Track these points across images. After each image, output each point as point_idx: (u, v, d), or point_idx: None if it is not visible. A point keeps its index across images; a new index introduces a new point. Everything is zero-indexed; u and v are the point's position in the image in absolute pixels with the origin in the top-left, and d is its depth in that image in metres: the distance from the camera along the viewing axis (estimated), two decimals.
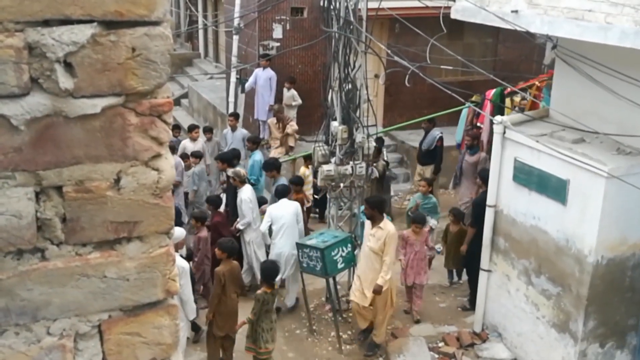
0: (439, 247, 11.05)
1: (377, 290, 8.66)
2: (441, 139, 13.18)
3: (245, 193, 10.10)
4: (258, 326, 8.13)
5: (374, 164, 11.48)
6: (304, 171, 12.23)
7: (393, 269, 8.99)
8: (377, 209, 8.78)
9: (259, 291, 8.18)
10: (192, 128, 13.60)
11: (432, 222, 10.75)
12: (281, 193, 10.08)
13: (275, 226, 9.70)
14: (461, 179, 12.11)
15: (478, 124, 12.77)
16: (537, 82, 12.20)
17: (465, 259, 10.27)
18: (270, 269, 8.35)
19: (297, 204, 9.99)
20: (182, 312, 7.84)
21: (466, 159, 12.24)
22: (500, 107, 12.00)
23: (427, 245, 9.91)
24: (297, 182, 11.21)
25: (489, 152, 11.31)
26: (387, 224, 8.80)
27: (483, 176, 10.41)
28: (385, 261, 8.66)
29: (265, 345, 8.19)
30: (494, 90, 12.29)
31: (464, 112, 13.30)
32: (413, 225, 9.85)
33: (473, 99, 13.15)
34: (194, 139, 13.19)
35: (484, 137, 12.23)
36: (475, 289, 9.92)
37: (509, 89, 11.94)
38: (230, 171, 10.54)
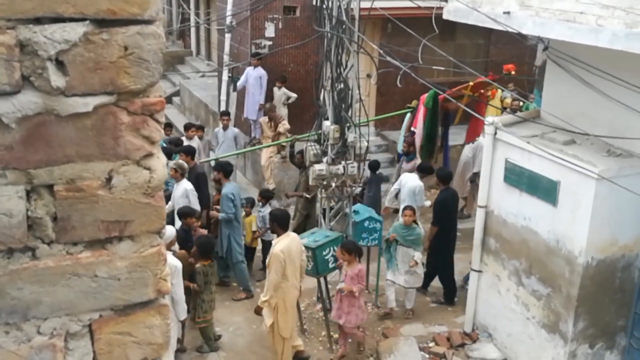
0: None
1: (256, 311, 8.45)
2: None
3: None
4: (198, 297, 8.66)
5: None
6: None
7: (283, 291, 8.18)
8: (277, 222, 8.33)
9: (198, 265, 8.61)
10: (188, 127, 13.52)
11: (416, 254, 9.69)
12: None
13: None
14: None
15: (412, 129, 12.59)
16: (471, 83, 12.05)
17: (430, 256, 10.42)
18: (206, 244, 8.77)
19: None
20: (173, 312, 7.81)
21: (403, 166, 12.30)
22: (434, 111, 11.75)
23: (356, 278, 8.58)
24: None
25: (423, 156, 11.27)
26: (277, 243, 8.08)
27: (441, 175, 10.79)
28: (266, 282, 8.16)
29: (204, 315, 8.77)
30: (427, 94, 12.00)
31: (407, 118, 13.16)
32: (339, 251, 8.69)
33: (411, 104, 13.12)
34: (189, 138, 13.14)
35: (417, 141, 12.10)
36: (447, 284, 10.36)
37: (443, 96, 11.91)
38: (172, 163, 10.22)
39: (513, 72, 11.46)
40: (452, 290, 10.48)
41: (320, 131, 9.98)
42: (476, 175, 12.79)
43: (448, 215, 10.42)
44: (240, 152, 13.95)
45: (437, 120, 12.10)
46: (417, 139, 12.11)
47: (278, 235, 8.30)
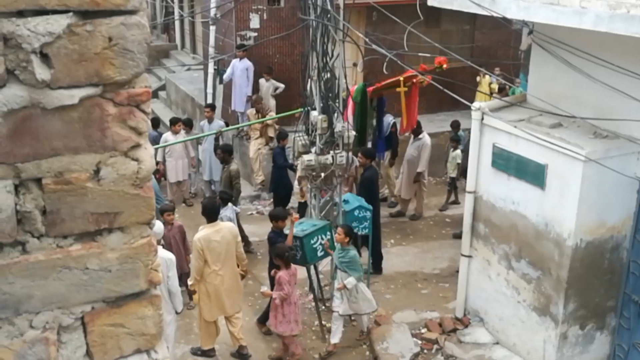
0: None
1: (189, 293, 8.87)
2: (395, 124, 13.17)
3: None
4: None
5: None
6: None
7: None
8: (203, 212, 8.68)
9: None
10: (174, 121, 13.45)
11: (350, 281, 8.73)
12: None
13: None
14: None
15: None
16: (401, 78, 12.01)
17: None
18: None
19: None
20: (169, 304, 7.81)
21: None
22: (363, 106, 11.56)
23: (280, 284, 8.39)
24: None
25: (354, 151, 11.08)
26: (199, 232, 8.47)
27: (365, 151, 11.10)
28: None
29: None
30: (356, 87, 11.85)
31: None
32: (277, 259, 8.53)
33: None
34: (176, 132, 13.09)
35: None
36: (374, 255, 10.59)
37: (372, 88, 11.87)
38: None
39: (445, 66, 11.29)
40: (379, 260, 10.90)
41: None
42: (420, 175, 12.79)
43: (375, 191, 10.92)
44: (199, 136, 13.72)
45: (367, 114, 11.99)
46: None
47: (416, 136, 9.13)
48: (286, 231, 9.15)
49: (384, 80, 11.86)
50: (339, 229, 8.93)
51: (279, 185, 12.30)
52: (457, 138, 13.42)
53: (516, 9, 7.78)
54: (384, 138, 12.86)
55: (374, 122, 12.57)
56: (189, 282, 8.66)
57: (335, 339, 8.99)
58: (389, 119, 13.06)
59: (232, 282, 8.64)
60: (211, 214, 8.62)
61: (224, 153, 11.74)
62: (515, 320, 8.72)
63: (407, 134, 13.02)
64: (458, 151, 13.13)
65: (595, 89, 7.56)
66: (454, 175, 13.33)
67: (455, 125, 13.83)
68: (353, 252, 8.88)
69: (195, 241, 8.39)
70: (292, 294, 8.52)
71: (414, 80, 11.81)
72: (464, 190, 12.90)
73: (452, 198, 13.77)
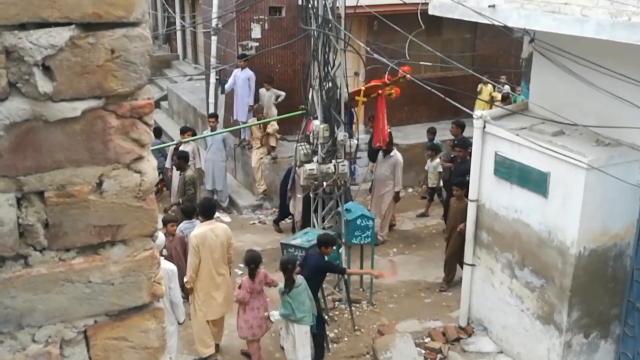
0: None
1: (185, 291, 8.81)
2: (389, 134, 13.13)
3: None
4: None
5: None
6: None
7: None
8: (200, 210, 8.99)
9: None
10: (184, 130, 13.42)
11: (273, 313, 8.42)
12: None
13: None
14: (295, 191, 12.01)
15: (307, 133, 11.98)
16: (362, 88, 11.88)
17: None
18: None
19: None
20: (172, 315, 7.80)
21: (297, 171, 12.09)
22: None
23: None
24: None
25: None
26: (195, 229, 8.72)
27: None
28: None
29: None
30: None
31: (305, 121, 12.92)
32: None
33: (304, 106, 12.66)
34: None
35: None
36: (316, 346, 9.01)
37: None
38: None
39: (408, 76, 11.19)
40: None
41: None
42: (398, 194, 12.37)
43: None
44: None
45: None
46: None
47: (201, 222, 8.83)
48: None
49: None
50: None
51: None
52: (434, 147, 13.04)
53: (517, 17, 7.80)
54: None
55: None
56: (185, 280, 8.62)
57: None
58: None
59: (222, 281, 8.74)
60: (207, 212, 8.79)
61: (180, 160, 11.81)
62: (519, 329, 8.68)
63: (379, 145, 12.65)
64: (438, 160, 12.76)
65: (597, 96, 7.55)
66: (434, 185, 12.97)
67: (432, 132, 13.53)
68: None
69: (192, 238, 8.54)
70: (253, 301, 8.40)
71: (380, 92, 11.63)
72: (441, 203, 12.82)
73: (424, 210, 13.57)
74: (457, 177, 11.25)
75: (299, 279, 8.23)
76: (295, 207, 11.96)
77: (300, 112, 12.79)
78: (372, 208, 12.32)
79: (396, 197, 12.36)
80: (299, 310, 8.13)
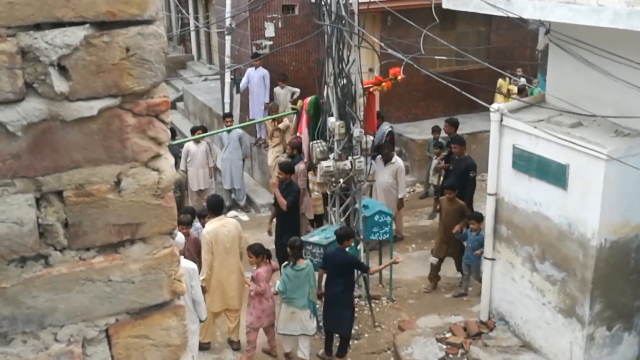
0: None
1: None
2: (390, 133, 13.06)
3: None
4: None
5: None
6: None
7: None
8: (209, 207, 9.08)
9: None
10: (194, 130, 13.53)
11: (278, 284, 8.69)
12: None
13: None
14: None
15: (298, 134, 11.98)
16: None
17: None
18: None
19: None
20: (194, 313, 7.84)
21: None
22: (317, 118, 11.01)
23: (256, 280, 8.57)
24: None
25: (310, 166, 10.87)
26: (207, 225, 8.81)
27: (283, 166, 10.64)
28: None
29: None
30: (308, 100, 11.41)
31: (294, 119, 12.60)
32: (247, 254, 8.67)
33: (296, 105, 12.63)
34: (197, 142, 13.14)
35: (304, 147, 11.27)
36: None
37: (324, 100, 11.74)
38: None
39: (400, 77, 11.09)
40: None
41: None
42: (402, 201, 12.12)
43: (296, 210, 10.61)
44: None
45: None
46: (304, 144, 11.34)
47: (210, 219, 8.97)
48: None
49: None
50: (247, 252, 8.71)
51: None
52: (440, 145, 12.91)
53: (532, 9, 7.73)
54: None
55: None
56: (200, 278, 8.56)
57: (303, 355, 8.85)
58: (384, 127, 12.88)
59: (236, 276, 8.87)
60: (216, 209, 8.96)
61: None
62: (541, 323, 8.62)
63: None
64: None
65: (615, 86, 7.48)
66: (436, 182, 12.83)
67: (437, 130, 13.38)
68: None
69: (205, 235, 8.65)
70: (268, 290, 8.67)
71: (370, 90, 11.61)
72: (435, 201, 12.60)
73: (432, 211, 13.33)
74: (456, 174, 11.24)
75: (305, 263, 8.50)
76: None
77: (292, 112, 12.80)
78: None
79: (400, 204, 12.05)
80: (292, 291, 8.42)
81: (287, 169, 10.51)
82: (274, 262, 8.95)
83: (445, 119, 13.09)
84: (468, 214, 10.40)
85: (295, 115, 12.89)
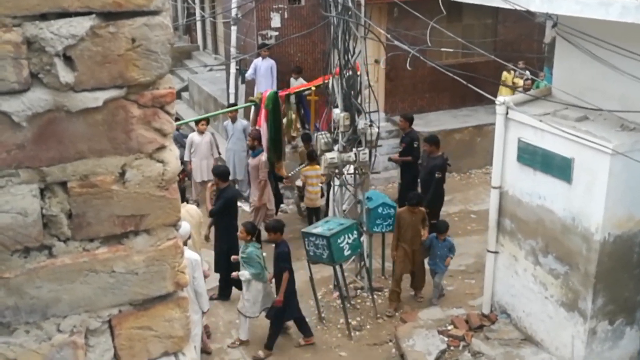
0: None
1: None
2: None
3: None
4: None
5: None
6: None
7: None
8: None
9: None
10: (199, 120, 13.50)
11: (243, 273, 8.90)
12: None
13: None
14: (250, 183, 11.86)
15: (257, 127, 11.99)
16: (313, 87, 11.98)
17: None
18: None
19: None
20: (196, 304, 7.86)
21: (249, 161, 11.91)
22: (275, 112, 11.16)
23: None
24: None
25: (271, 159, 10.91)
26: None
27: (217, 170, 10.34)
28: None
29: None
30: (267, 94, 11.51)
31: (252, 111, 12.52)
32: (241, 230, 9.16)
33: (254, 98, 12.53)
34: (201, 132, 13.13)
35: (264, 141, 11.36)
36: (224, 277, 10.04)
37: (283, 91, 11.66)
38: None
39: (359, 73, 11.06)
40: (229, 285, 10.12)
41: None
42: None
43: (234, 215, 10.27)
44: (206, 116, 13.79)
45: (280, 121, 11.62)
46: (263, 138, 11.48)
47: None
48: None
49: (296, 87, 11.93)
50: (241, 227, 9.07)
51: None
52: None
53: (540, 2, 7.69)
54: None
55: (292, 119, 12.52)
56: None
57: (243, 335, 9.22)
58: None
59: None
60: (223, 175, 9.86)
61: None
62: (543, 316, 8.63)
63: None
64: None
65: (621, 80, 7.44)
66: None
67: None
68: (251, 249, 8.87)
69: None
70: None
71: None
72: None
73: None
74: (427, 173, 11.16)
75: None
76: (254, 194, 11.81)
77: (250, 103, 12.77)
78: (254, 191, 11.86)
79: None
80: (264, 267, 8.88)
81: (221, 175, 10.20)
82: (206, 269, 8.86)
83: (400, 115, 12.98)
84: (426, 221, 10.02)
85: (253, 108, 12.73)
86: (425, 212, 10.00)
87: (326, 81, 10.01)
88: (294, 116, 13.00)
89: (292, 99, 12.79)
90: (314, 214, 11.86)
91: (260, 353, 8.99)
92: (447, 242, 9.79)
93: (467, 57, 14.74)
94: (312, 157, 11.50)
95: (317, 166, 11.24)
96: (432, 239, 9.86)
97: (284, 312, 8.95)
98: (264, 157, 11.47)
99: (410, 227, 9.74)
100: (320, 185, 11.80)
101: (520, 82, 14.83)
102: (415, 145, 11.93)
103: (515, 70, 13.90)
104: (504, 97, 9.29)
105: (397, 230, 9.83)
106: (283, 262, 8.82)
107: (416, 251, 9.79)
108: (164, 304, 1.36)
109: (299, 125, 13.47)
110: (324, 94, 11.36)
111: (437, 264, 9.90)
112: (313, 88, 12.18)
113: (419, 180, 11.83)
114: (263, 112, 11.47)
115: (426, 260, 10.02)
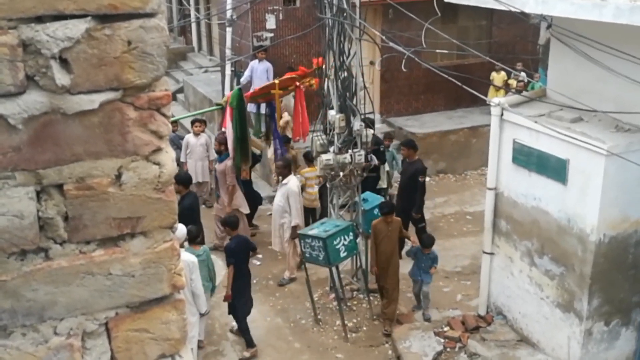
0: None
1: None
2: (294, 156, 12.95)
3: None
4: None
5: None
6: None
7: None
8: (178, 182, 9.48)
9: None
10: (193, 122, 13.50)
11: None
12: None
13: None
14: (218, 189, 11.74)
15: (223, 129, 11.72)
16: (276, 81, 11.74)
17: None
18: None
19: None
20: (193, 306, 7.85)
21: (216, 166, 11.78)
22: (240, 111, 10.87)
23: None
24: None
25: (238, 160, 10.78)
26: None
27: (179, 178, 9.93)
28: None
29: None
30: (231, 93, 11.29)
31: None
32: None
33: (220, 102, 12.31)
34: (197, 134, 13.12)
35: (229, 143, 11.12)
36: None
37: (250, 93, 11.59)
38: None
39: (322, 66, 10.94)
40: None
41: None
42: (296, 230, 10.27)
43: (196, 217, 10.17)
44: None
45: (246, 119, 11.25)
46: (228, 140, 11.19)
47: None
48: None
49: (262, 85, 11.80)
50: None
51: None
52: (379, 143, 12.09)
53: (534, 3, 7.71)
54: (277, 148, 12.43)
55: (262, 127, 12.30)
56: None
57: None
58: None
59: None
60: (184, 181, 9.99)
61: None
62: (539, 317, 8.64)
63: (299, 139, 12.31)
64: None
65: (616, 82, 7.47)
66: (384, 186, 12.22)
67: (388, 138, 12.78)
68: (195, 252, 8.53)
69: None
70: None
71: (297, 84, 11.47)
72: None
73: None
74: (406, 178, 11.09)
75: (202, 249, 8.72)
76: (223, 200, 11.58)
77: (216, 107, 12.71)
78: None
79: (293, 233, 10.42)
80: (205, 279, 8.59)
81: (182, 181, 10.12)
82: None
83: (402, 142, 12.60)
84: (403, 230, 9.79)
85: (221, 111, 12.58)
86: (400, 222, 9.61)
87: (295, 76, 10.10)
88: (263, 127, 12.53)
89: (263, 108, 12.30)
90: (311, 215, 11.86)
91: (246, 354, 8.98)
92: (431, 253, 9.54)
93: (462, 58, 14.77)
94: (310, 159, 11.44)
95: (315, 167, 11.05)
96: (417, 250, 9.59)
97: (235, 308, 8.94)
98: (229, 162, 11.16)
99: (385, 238, 9.29)
100: (317, 186, 11.78)
101: (514, 84, 14.88)
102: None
103: (511, 72, 13.92)
104: (497, 98, 9.29)
105: (374, 242, 9.39)
106: (228, 257, 8.89)
107: (391, 264, 9.35)
108: (160, 306, 1.36)
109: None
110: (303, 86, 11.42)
111: (422, 275, 9.61)
112: (277, 82, 11.89)
113: (398, 186, 11.74)
114: (228, 110, 11.16)
115: (407, 269, 9.85)
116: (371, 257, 9.63)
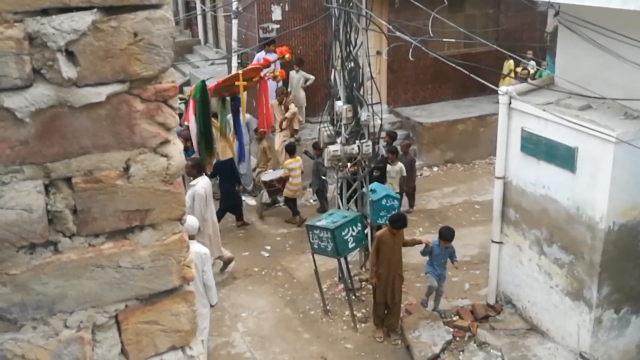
0: None
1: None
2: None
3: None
4: None
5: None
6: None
7: None
8: (193, 167, 9.70)
9: None
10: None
11: None
12: None
13: None
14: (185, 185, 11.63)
15: (186, 123, 11.54)
16: (240, 72, 11.83)
17: None
18: None
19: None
20: (205, 298, 7.87)
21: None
22: (203, 103, 10.64)
23: None
24: None
25: (202, 153, 10.74)
26: (197, 183, 9.62)
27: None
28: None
29: None
30: (194, 85, 11.10)
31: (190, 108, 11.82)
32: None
33: (184, 95, 11.98)
34: None
35: (193, 137, 10.91)
36: None
37: (213, 85, 11.45)
38: None
39: (287, 56, 10.73)
40: None
41: None
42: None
43: None
44: None
45: (209, 112, 11.11)
46: (192, 133, 11.02)
47: (194, 178, 9.74)
48: None
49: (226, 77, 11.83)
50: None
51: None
52: (394, 149, 12.17)
53: None
54: (243, 145, 12.57)
55: (229, 119, 12.28)
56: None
57: None
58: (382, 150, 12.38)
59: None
60: (201, 170, 9.92)
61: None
62: (549, 306, 8.63)
63: (263, 130, 12.49)
64: (400, 164, 12.01)
65: (624, 68, 7.42)
66: (397, 191, 11.64)
67: (392, 136, 12.79)
68: None
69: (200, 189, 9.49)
70: None
71: (262, 75, 11.35)
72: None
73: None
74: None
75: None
76: None
77: (179, 101, 12.61)
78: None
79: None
80: None
81: (195, 166, 9.92)
82: None
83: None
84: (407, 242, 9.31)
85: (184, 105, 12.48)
86: (403, 233, 9.12)
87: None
88: (230, 118, 12.40)
89: (228, 101, 12.22)
90: (293, 204, 12.40)
91: None
92: (450, 248, 9.17)
93: (469, 47, 14.70)
94: (291, 151, 12.25)
95: (298, 157, 12.21)
96: (435, 245, 9.21)
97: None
98: (197, 156, 10.86)
99: (390, 251, 8.80)
100: (299, 178, 12.11)
101: (520, 71, 14.80)
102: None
103: (520, 61, 13.85)
104: (506, 86, 9.24)
105: (376, 253, 8.82)
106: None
107: (397, 278, 8.95)
108: (170, 298, 1.36)
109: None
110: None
111: (439, 269, 9.30)
112: (240, 72, 11.73)
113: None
114: (191, 103, 10.91)
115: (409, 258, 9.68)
116: (371, 266, 9.03)
